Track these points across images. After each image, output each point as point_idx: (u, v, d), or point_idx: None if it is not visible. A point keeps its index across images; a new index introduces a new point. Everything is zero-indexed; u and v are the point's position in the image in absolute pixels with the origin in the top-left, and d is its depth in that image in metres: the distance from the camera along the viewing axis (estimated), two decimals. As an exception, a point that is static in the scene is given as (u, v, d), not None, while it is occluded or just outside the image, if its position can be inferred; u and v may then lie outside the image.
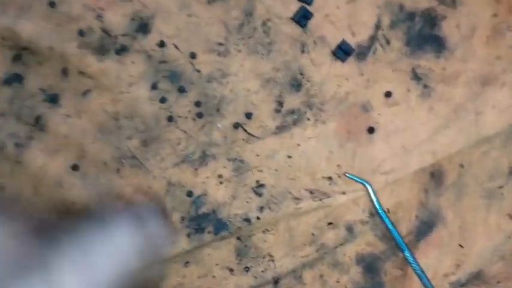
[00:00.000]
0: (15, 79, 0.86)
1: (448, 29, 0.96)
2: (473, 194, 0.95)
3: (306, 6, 0.93)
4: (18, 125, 0.86)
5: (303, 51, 0.93)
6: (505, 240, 0.95)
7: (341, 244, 0.92)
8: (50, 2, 0.86)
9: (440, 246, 0.94)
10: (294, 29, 0.93)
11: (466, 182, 0.95)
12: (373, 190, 0.92)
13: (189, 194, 0.89)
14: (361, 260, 0.93)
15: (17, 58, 0.86)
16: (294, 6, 0.93)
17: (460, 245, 0.95)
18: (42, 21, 0.85)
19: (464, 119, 0.95)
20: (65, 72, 0.87)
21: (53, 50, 0.85)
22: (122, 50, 0.88)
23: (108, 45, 0.88)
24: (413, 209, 0.94)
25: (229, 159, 0.91)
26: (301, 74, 0.93)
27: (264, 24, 0.92)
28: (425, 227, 0.94)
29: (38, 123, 0.86)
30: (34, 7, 0.85)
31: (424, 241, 0.94)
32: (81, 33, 0.87)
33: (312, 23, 0.93)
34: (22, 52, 0.85)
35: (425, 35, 0.96)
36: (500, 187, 0.95)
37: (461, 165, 0.95)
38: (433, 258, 0.94)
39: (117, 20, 0.88)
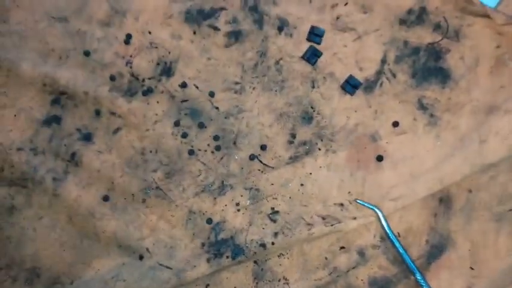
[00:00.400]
0: (53, 120, 0.96)
1: (453, 61, 1.01)
2: (482, 217, 0.97)
3: (315, 45, 1.01)
4: (56, 161, 0.95)
5: (313, 87, 1.01)
6: (515, 263, 0.97)
7: (353, 267, 0.96)
8: (85, 52, 0.97)
9: (451, 268, 0.97)
10: (304, 67, 1.01)
11: (474, 207, 0.98)
12: (383, 215, 0.96)
13: (209, 221, 0.96)
14: (373, 282, 0.96)
15: (55, 101, 0.96)
16: (304, 46, 1.01)
17: (471, 268, 0.97)
18: (78, 69, 0.96)
19: (469, 147, 0.99)
20: (98, 113, 0.97)
21: (87, 94, 0.96)
22: (148, 92, 0.98)
23: (136, 88, 0.98)
24: (424, 234, 0.97)
25: (245, 188, 0.98)
26: (312, 107, 1.00)
27: (276, 63, 1.01)
28: (436, 250, 0.97)
29: (74, 159, 0.96)
30: (71, 56, 0.97)
31: (435, 264, 0.96)
32: (112, 78, 0.97)
33: (321, 61, 1.01)
34: (60, 96, 0.96)
35: (430, 68, 1.01)
36: (510, 210, 0.97)
37: (469, 191, 0.98)
38: (444, 280, 0.96)
39: (144, 65, 0.98)
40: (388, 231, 0.95)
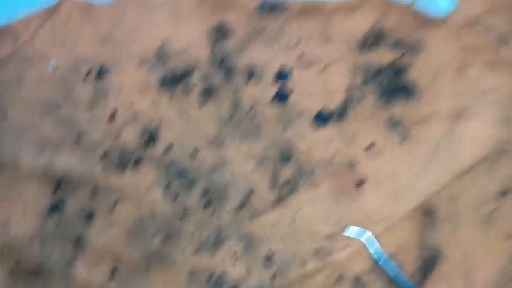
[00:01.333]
0: (58, 206, 1.05)
1: (415, 74, 1.04)
2: (468, 223, 0.99)
3: (284, 85, 1.06)
4: (65, 246, 1.04)
5: (287, 127, 1.06)
6: (508, 263, 0.98)
7: (351, 296, 1.00)
8: (76, 136, 1.05)
9: (446, 280, 0.98)
10: (276, 109, 1.06)
11: (458, 213, 0.99)
12: (372, 239, 0.99)
13: (210, 276, 1.02)
14: (373, 307, 1.00)
15: (57, 188, 1.05)
16: (274, 88, 1.07)
17: (465, 276, 0.98)
18: (72, 154, 1.05)
19: (444, 155, 1.01)
20: (95, 191, 1.05)
21: (83, 175, 1.04)
22: (137, 162, 1.06)
23: (126, 160, 1.06)
24: (414, 249, 1.00)
25: (240, 237, 1.04)
26: (289, 147, 1.06)
27: (250, 110, 1.07)
28: (429, 264, 0.99)
29: (80, 240, 1.04)
30: (65, 143, 1.05)
31: (430, 278, 0.98)
32: (103, 155, 1.05)
33: (291, 99, 1.06)
34: (60, 182, 1.05)
35: (395, 85, 1.04)
36: (494, 210, 0.98)
37: (451, 198, 1.00)
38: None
39: (130, 137, 1.06)
40: (379, 254, 0.99)
